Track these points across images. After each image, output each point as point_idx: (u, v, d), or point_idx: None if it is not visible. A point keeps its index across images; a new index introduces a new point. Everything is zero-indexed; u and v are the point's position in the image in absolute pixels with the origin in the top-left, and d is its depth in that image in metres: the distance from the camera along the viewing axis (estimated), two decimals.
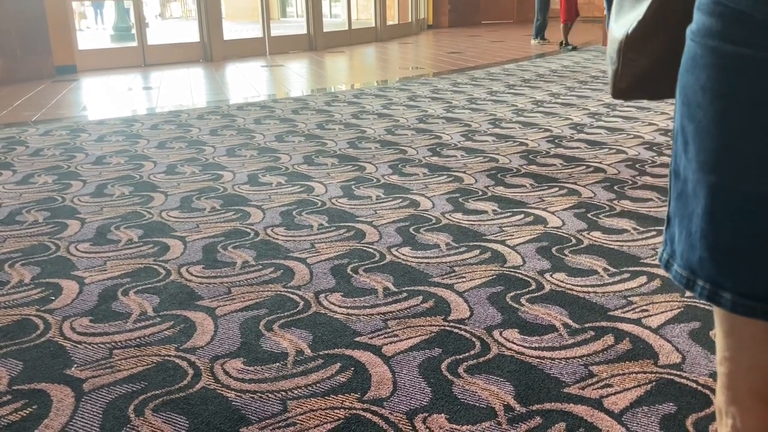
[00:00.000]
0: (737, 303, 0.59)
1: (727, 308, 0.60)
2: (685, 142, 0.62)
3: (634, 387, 1.51)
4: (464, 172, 3.35)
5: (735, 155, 0.57)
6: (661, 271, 2.09)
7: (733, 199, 0.57)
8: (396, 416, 1.42)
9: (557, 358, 1.63)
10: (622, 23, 0.77)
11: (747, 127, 0.56)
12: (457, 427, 1.39)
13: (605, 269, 2.14)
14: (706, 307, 1.84)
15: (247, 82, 7.07)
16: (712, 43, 0.58)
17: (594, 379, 1.54)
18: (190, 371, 1.61)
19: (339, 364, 1.63)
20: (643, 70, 0.75)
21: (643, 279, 2.06)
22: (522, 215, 2.69)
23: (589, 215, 2.66)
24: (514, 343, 1.70)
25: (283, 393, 1.51)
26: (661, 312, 1.85)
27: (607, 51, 0.81)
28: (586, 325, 1.79)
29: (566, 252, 2.29)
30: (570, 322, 1.81)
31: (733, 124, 0.57)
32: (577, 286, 2.03)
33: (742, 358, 0.65)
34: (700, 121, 0.59)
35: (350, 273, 2.16)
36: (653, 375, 1.55)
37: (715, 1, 0.57)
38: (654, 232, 2.47)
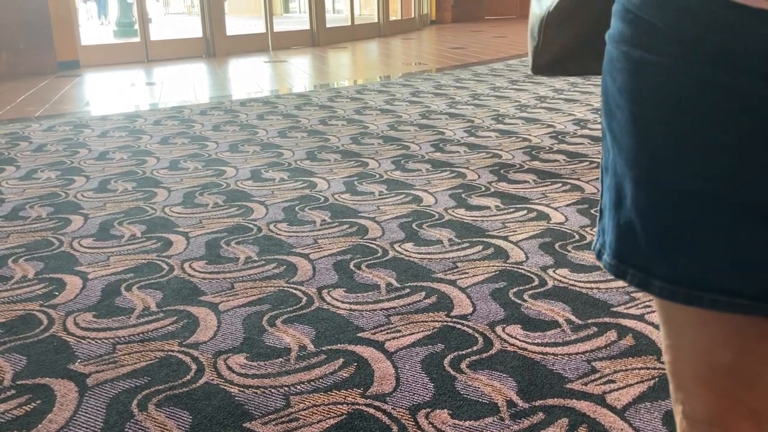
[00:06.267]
0: (664, 288, 0.63)
1: (656, 293, 0.64)
2: (612, 139, 0.66)
3: (637, 383, 1.51)
4: (467, 168, 3.35)
5: (649, 152, 0.61)
6: None
7: (653, 193, 0.61)
8: (399, 412, 1.42)
9: (560, 354, 1.63)
10: (544, 1, 0.80)
11: (657, 127, 0.60)
12: (460, 422, 1.39)
13: None
14: None
15: (249, 77, 7.07)
16: (625, 48, 0.61)
17: (597, 375, 1.54)
18: (194, 366, 1.61)
19: (342, 359, 1.63)
20: (562, 47, 0.79)
21: None
22: (525, 211, 2.69)
23: (592, 211, 2.66)
24: (517, 339, 1.70)
25: (286, 388, 1.52)
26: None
27: (528, 27, 0.84)
28: (589, 321, 1.79)
29: (569, 248, 2.29)
30: (573, 317, 1.81)
31: (645, 124, 0.60)
32: (580, 281, 2.03)
33: (681, 344, 0.68)
34: (620, 121, 0.63)
35: (353, 269, 2.16)
36: (656, 371, 1.55)
37: (626, 8, 0.61)
38: None
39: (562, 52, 0.79)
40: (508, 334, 1.73)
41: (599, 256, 0.70)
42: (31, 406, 1.47)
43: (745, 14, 0.53)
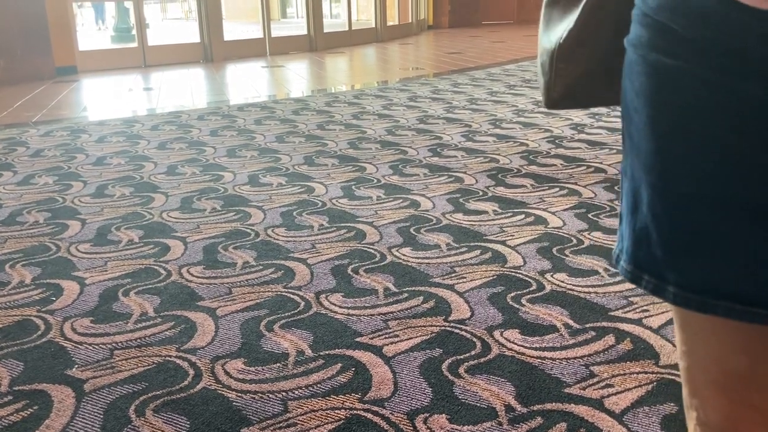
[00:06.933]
0: (678, 295, 0.62)
1: (670, 300, 0.63)
2: (630, 143, 0.66)
3: (635, 387, 1.51)
4: (465, 173, 3.35)
5: (665, 157, 0.60)
6: None
7: (668, 198, 0.61)
8: (397, 417, 1.42)
9: (558, 359, 1.63)
10: (553, 34, 0.80)
11: (673, 131, 0.59)
12: (458, 427, 1.39)
13: (606, 269, 2.14)
14: None
15: (247, 82, 7.07)
16: (642, 51, 0.62)
17: (595, 380, 1.54)
18: (191, 372, 1.61)
19: (340, 364, 1.63)
20: (574, 79, 0.78)
21: None
22: (522, 215, 2.69)
23: (589, 215, 2.66)
24: (515, 344, 1.70)
25: (283, 393, 1.51)
26: (662, 312, 1.84)
27: (537, 62, 0.84)
28: (587, 326, 1.79)
29: (567, 252, 2.29)
30: (571, 322, 1.81)
31: (661, 128, 0.60)
32: (578, 286, 2.03)
33: (696, 350, 0.68)
34: (637, 125, 0.63)
35: (351, 273, 2.16)
36: (654, 375, 1.55)
37: (644, 12, 0.61)
38: None
39: (575, 84, 0.79)
40: (506, 339, 1.73)
41: (617, 262, 0.70)
42: (28, 412, 1.47)
43: (755, 17, 0.53)
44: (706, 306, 0.61)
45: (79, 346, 1.74)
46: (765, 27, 0.53)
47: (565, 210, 2.74)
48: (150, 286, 2.10)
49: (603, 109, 5.04)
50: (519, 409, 1.44)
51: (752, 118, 0.54)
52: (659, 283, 0.63)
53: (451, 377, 1.56)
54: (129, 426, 1.41)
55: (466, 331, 1.78)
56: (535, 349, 1.68)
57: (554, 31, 0.79)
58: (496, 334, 1.75)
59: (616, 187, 3.03)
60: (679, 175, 0.59)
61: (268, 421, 1.42)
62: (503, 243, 2.39)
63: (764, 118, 0.54)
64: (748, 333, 0.61)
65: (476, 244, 2.39)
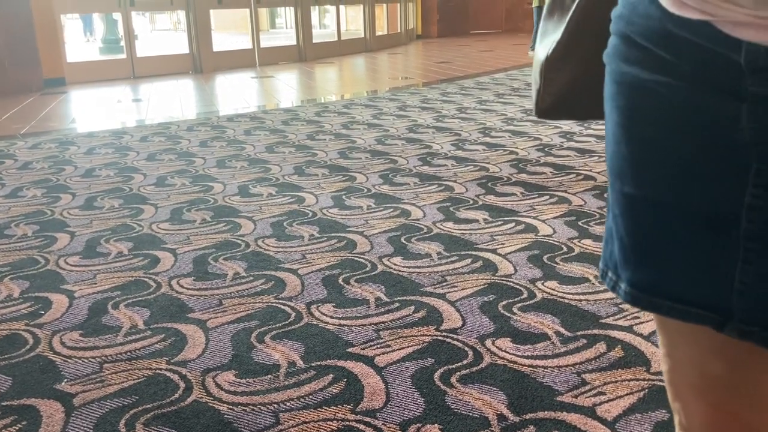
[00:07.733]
0: (628, 293, 0.64)
1: (621, 297, 0.65)
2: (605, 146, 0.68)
3: (627, 394, 1.51)
4: (455, 182, 3.36)
5: (618, 159, 0.63)
6: None
7: (623, 199, 0.63)
8: (389, 427, 1.41)
9: (550, 367, 1.63)
10: (545, 45, 0.82)
11: (626, 134, 0.62)
12: None
13: (596, 277, 2.15)
14: None
15: (236, 93, 7.07)
16: (609, 58, 0.64)
17: (587, 387, 1.54)
18: (182, 384, 1.60)
19: (331, 375, 1.62)
20: (562, 90, 0.80)
21: None
22: (513, 224, 2.69)
23: (579, 223, 2.67)
24: (507, 352, 1.70)
25: (275, 405, 1.51)
26: (652, 319, 1.85)
27: (531, 73, 0.86)
28: (578, 333, 1.79)
29: (557, 260, 2.30)
30: (562, 330, 1.81)
31: (619, 131, 0.63)
32: (569, 294, 2.03)
33: (675, 353, 0.69)
34: (606, 128, 0.66)
35: (342, 283, 2.15)
36: (646, 382, 1.55)
37: (613, 22, 0.64)
38: None
39: (563, 94, 0.81)
40: (497, 348, 1.73)
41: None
42: (17, 428, 1.45)
43: (677, 24, 0.54)
44: (651, 305, 0.62)
45: (68, 360, 1.72)
46: (692, 33, 0.54)
47: (555, 218, 2.75)
48: (140, 298, 2.08)
49: None
50: (511, 418, 1.44)
51: (692, 124, 0.56)
52: (617, 280, 0.65)
53: (443, 387, 1.56)
54: None
55: (457, 340, 1.77)
56: (527, 357, 1.68)
57: (546, 42, 0.82)
58: (488, 342, 1.75)
59: (605, 194, 3.04)
60: (631, 178, 0.61)
61: None
62: (494, 251, 2.40)
63: (702, 124, 0.55)
64: (723, 337, 0.62)
65: (467, 252, 2.39)
